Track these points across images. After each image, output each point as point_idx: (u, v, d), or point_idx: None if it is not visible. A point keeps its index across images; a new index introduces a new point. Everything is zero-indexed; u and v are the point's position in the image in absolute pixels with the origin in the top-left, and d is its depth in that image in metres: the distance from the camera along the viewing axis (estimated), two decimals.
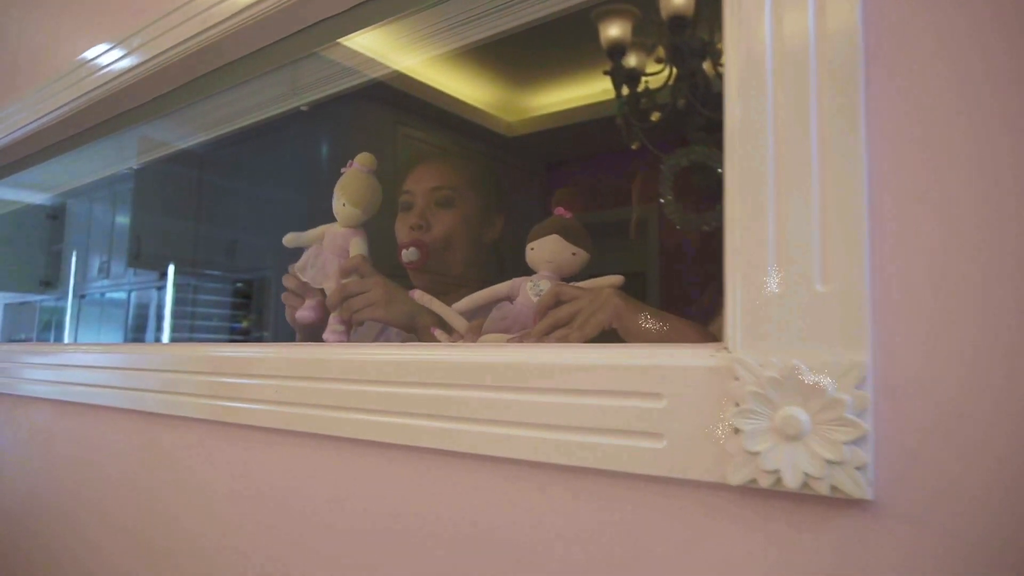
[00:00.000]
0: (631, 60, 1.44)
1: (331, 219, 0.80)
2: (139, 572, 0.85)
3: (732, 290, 0.41)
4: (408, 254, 0.81)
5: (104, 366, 0.94)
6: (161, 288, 3.17)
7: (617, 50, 1.43)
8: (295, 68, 1.01)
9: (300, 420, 0.64)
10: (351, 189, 0.75)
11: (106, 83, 1.06)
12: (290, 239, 0.78)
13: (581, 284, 0.59)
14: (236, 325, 2.95)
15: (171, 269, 2.92)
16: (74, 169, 1.64)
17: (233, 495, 0.73)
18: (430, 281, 0.86)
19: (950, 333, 0.36)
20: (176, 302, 2.99)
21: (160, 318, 3.09)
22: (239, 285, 2.96)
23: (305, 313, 0.75)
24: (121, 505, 0.90)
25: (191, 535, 0.78)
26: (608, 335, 0.55)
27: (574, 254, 0.61)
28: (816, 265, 0.38)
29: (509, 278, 0.67)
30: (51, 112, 1.20)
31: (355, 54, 0.96)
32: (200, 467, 0.78)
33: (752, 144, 0.41)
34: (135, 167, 1.72)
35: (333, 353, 0.64)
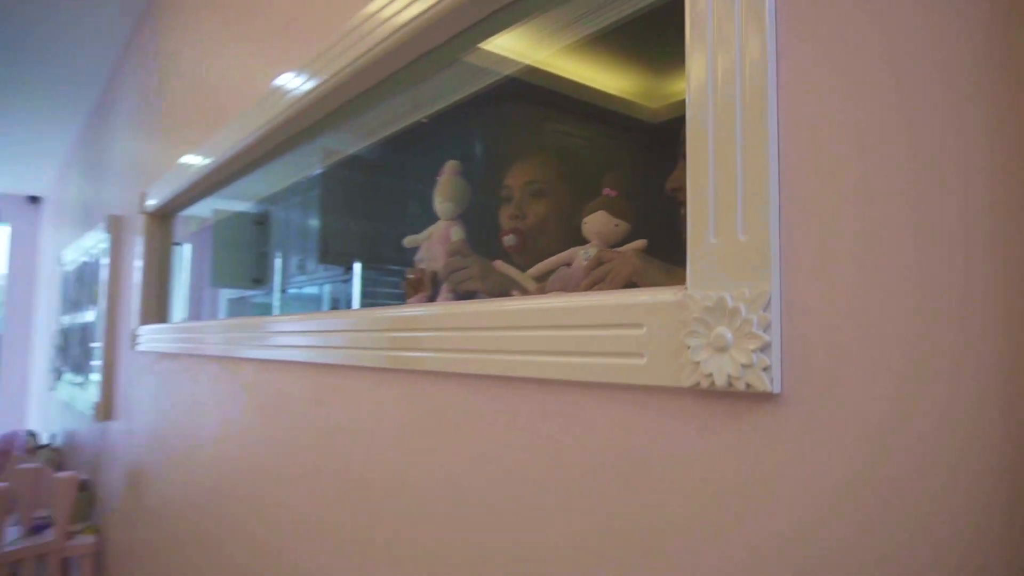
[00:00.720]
0: None
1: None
2: (327, 493, 1.12)
3: (689, 242, 0.55)
4: (508, 239, 1.00)
5: (296, 330, 1.22)
6: (346, 281, 3.62)
7: None
8: (444, 74, 1.12)
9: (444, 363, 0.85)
10: (445, 189, 0.95)
11: (292, 104, 1.29)
12: (408, 240, 1.00)
13: (618, 249, 0.74)
14: None
15: (357, 265, 3.34)
16: (273, 180, 1.99)
17: (399, 430, 0.96)
18: (528, 260, 1.03)
19: (836, 269, 0.47)
20: (361, 295, 3.40)
21: (349, 308, 3.52)
22: (411, 277, 3.32)
23: (412, 304, 0.97)
24: (306, 442, 1.18)
25: (362, 464, 1.03)
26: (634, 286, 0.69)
27: (616, 225, 0.76)
28: (739, 222, 0.51)
29: None
30: (251, 133, 1.51)
31: (498, 56, 1.04)
32: (370, 408, 1.02)
33: (701, 141, 0.54)
34: (319, 174, 2.04)
35: (460, 308, 0.83)
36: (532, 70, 1.07)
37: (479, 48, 1.01)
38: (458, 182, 0.96)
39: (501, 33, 0.96)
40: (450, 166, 0.98)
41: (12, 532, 2.44)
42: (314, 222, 3.20)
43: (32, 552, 2.40)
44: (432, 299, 0.97)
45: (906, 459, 0.44)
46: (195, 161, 1.89)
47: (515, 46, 1.00)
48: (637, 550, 0.59)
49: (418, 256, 0.99)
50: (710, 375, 0.52)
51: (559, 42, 0.99)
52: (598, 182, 1.12)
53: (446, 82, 1.12)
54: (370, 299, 3.40)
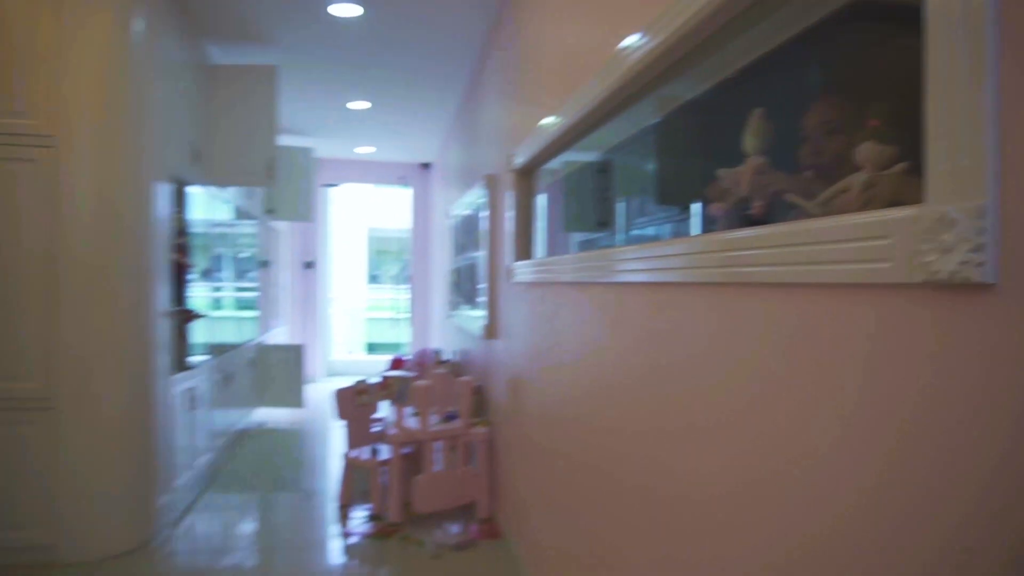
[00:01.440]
0: None
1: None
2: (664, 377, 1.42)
3: (926, 171, 0.69)
4: (807, 175, 1.15)
5: (637, 257, 1.52)
6: (683, 220, 3.86)
7: None
8: (778, 13, 1.16)
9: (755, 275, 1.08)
10: (751, 129, 1.15)
11: (636, 63, 1.49)
12: (722, 172, 1.22)
13: (884, 173, 0.86)
14: None
15: (695, 205, 3.56)
16: (614, 132, 2.27)
17: (711, 329, 1.22)
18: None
19: None
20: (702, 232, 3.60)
21: None
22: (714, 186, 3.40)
23: (712, 210, 1.20)
24: (643, 346, 1.49)
25: (686, 358, 1.30)
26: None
27: (881, 152, 0.88)
28: (963, 151, 0.65)
29: None
30: (600, 93, 1.76)
31: None
32: (693, 314, 1.29)
33: (934, 91, 0.68)
34: (655, 122, 2.27)
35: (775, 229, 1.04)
36: None
37: None
38: (762, 124, 1.15)
39: None
40: (756, 113, 1.16)
41: (433, 419, 3.26)
42: (651, 166, 3.47)
43: (447, 434, 3.20)
44: (727, 212, 1.19)
45: None
46: (552, 122, 2.29)
47: None
48: (888, 412, 0.76)
49: (723, 178, 1.21)
50: (937, 272, 0.67)
51: None
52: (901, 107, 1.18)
53: (779, 19, 1.16)
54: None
